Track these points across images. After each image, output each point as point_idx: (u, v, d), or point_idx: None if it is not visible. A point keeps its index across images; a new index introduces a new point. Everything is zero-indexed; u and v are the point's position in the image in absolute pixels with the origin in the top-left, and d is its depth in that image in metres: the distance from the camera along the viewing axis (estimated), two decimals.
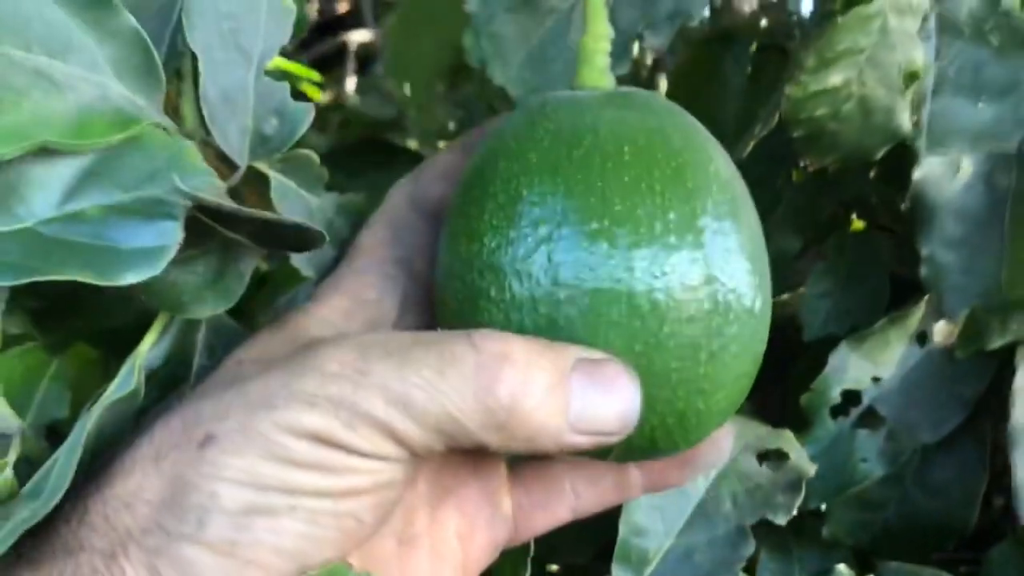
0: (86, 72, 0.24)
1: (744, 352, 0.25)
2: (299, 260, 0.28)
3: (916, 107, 0.40)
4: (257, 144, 0.27)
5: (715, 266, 0.24)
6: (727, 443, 0.29)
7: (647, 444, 0.25)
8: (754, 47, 0.53)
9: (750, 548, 0.38)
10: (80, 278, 0.22)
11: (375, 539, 0.27)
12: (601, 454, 0.26)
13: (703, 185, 0.25)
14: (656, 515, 0.39)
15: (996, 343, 0.40)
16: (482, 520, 0.29)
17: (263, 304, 0.36)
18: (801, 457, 0.40)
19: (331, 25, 1.15)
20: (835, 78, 0.39)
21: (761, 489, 0.39)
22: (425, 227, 0.29)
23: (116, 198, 0.23)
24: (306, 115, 0.27)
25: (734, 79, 0.55)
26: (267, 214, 0.24)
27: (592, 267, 0.24)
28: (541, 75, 0.36)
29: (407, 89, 0.58)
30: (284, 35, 0.27)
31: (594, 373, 0.23)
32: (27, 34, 0.23)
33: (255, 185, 0.29)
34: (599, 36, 0.28)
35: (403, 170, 0.31)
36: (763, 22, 0.62)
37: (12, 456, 0.25)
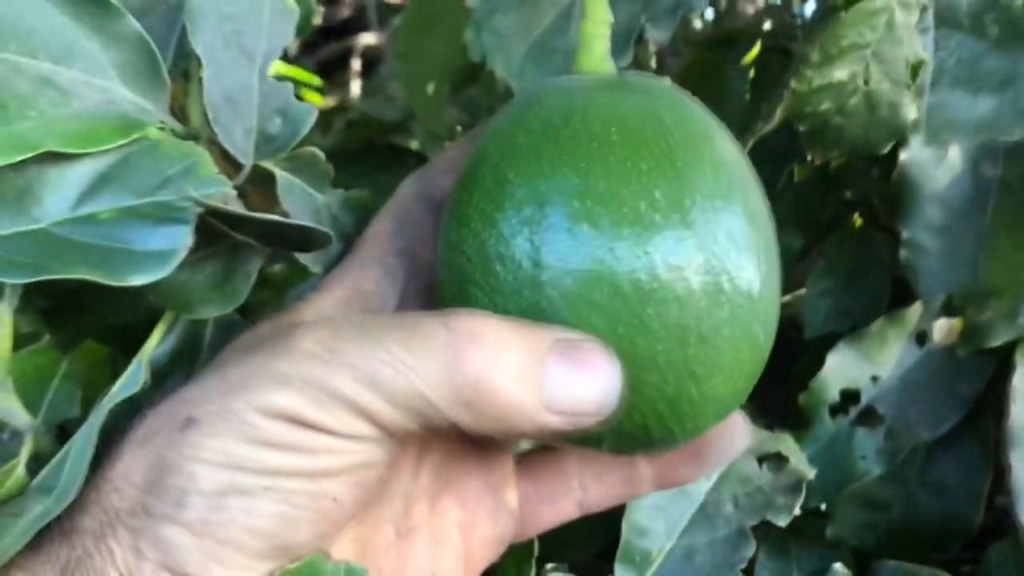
0: (91, 77, 0.24)
1: (740, 336, 0.24)
2: (306, 256, 0.29)
3: (914, 100, 0.40)
4: (262, 143, 0.27)
5: (704, 246, 0.23)
6: (742, 436, 0.28)
7: (640, 432, 0.25)
8: (757, 50, 0.54)
9: (751, 549, 0.38)
10: (91, 278, 0.22)
11: (372, 527, 0.27)
12: (593, 442, 0.25)
13: (694, 165, 0.24)
14: (658, 516, 0.40)
15: (997, 340, 0.41)
16: (484, 512, 0.29)
17: (272, 299, 0.36)
18: (800, 460, 0.40)
19: (336, 29, 1.15)
20: (840, 73, 0.39)
21: (762, 492, 0.39)
22: (430, 219, 0.29)
23: (129, 202, 0.24)
24: (309, 115, 0.28)
25: (737, 81, 0.55)
26: (275, 218, 0.25)
27: (574, 249, 0.23)
28: (543, 68, 0.35)
29: (416, 90, 0.58)
30: (287, 35, 0.27)
31: (571, 353, 0.23)
32: (32, 41, 0.24)
33: (261, 182, 0.29)
34: (598, 21, 0.27)
35: (408, 172, 0.31)
36: (767, 24, 0.62)
37: (24, 454, 0.26)
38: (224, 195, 0.27)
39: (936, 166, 0.41)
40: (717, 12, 0.81)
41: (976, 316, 0.40)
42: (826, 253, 0.49)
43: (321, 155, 0.29)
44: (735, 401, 0.25)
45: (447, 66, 0.56)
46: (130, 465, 0.23)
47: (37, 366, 0.32)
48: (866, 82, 0.38)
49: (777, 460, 0.40)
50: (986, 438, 0.44)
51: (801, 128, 0.41)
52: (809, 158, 0.43)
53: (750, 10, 0.75)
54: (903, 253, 0.42)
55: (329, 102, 0.95)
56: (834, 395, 0.44)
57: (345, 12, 1.21)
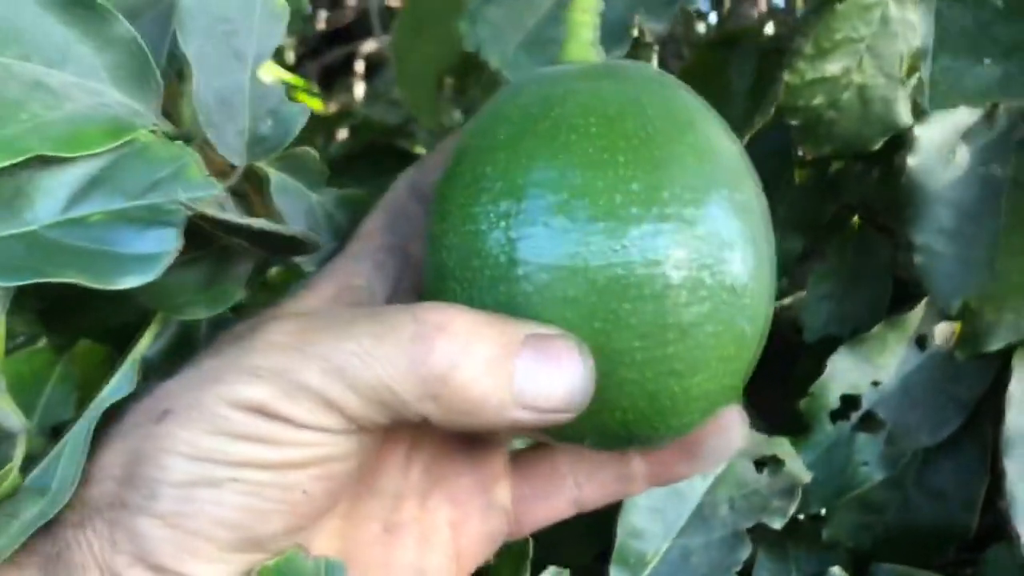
0: (84, 80, 0.24)
1: (724, 332, 0.23)
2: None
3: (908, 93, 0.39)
4: (254, 144, 0.27)
5: (684, 240, 0.23)
6: (736, 432, 0.27)
7: (621, 428, 0.24)
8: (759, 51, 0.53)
9: (746, 551, 0.38)
10: (79, 281, 0.22)
11: (358, 523, 0.27)
12: (576, 438, 0.25)
13: (675, 156, 0.23)
14: (654, 518, 0.40)
15: (995, 344, 0.40)
16: (476, 510, 0.28)
17: (271, 300, 0.36)
18: (796, 464, 0.40)
19: (340, 34, 1.15)
20: (833, 67, 0.39)
21: (757, 494, 0.39)
22: (422, 215, 0.28)
23: (119, 205, 0.24)
24: (301, 115, 0.28)
25: (738, 82, 0.55)
26: (262, 223, 0.25)
27: (550, 243, 0.23)
28: (538, 58, 0.35)
29: (414, 92, 0.58)
30: (278, 36, 0.27)
31: (542, 348, 0.23)
32: (25, 44, 0.24)
33: (257, 181, 0.29)
34: (585, 8, 0.27)
35: None
36: (770, 26, 0.62)
37: (18, 457, 0.26)
38: (218, 196, 0.27)
39: (944, 168, 0.40)
40: (720, 15, 0.81)
41: (993, 317, 0.39)
42: (826, 256, 0.49)
43: (315, 154, 0.29)
44: (724, 398, 0.25)
45: (442, 65, 0.56)
46: (110, 458, 0.23)
47: (33, 368, 0.32)
48: (859, 76, 0.38)
49: (774, 463, 0.40)
50: (984, 442, 0.44)
51: (793, 122, 0.41)
52: (801, 154, 0.43)
53: (754, 14, 0.75)
54: (917, 258, 0.41)
55: (334, 107, 0.95)
56: (835, 400, 0.44)
57: (348, 17, 1.21)
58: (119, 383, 0.25)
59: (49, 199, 0.23)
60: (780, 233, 0.50)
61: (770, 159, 0.47)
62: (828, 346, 0.45)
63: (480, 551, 0.29)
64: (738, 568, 0.38)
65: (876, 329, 0.43)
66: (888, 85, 0.39)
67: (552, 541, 0.45)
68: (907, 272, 0.45)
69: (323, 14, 1.15)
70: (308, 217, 0.29)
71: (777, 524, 0.39)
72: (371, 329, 0.23)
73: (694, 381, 0.24)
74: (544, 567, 0.41)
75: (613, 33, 0.28)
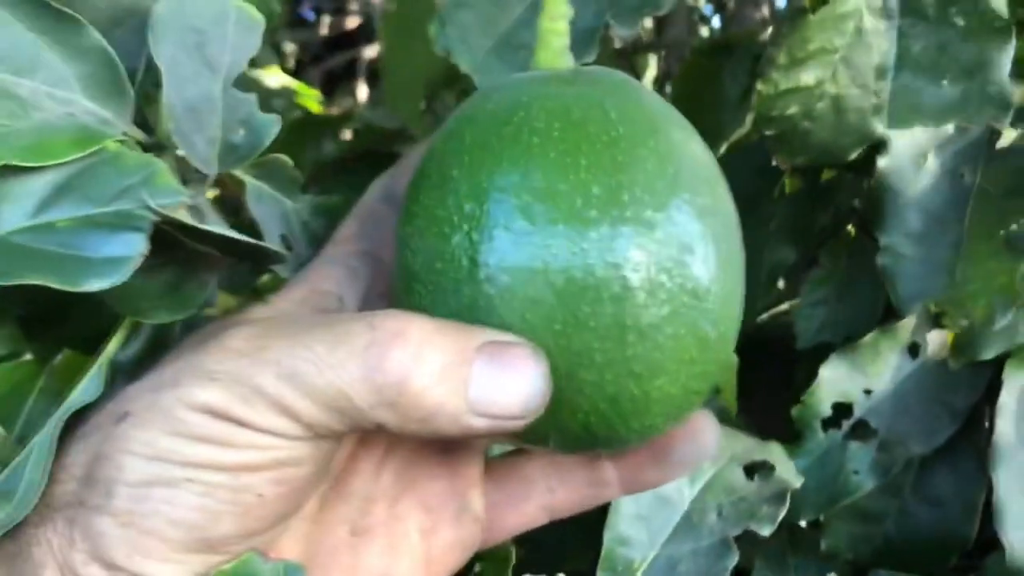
0: (54, 89, 0.25)
1: (686, 335, 0.23)
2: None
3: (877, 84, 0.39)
4: (225, 153, 0.27)
5: (643, 243, 0.23)
6: (708, 439, 0.27)
7: (582, 430, 0.24)
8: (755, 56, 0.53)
9: (734, 559, 0.38)
10: (47, 283, 0.23)
11: (325, 527, 0.27)
12: (539, 441, 0.25)
13: (636, 159, 0.23)
14: (641, 525, 0.39)
15: (989, 353, 0.40)
16: (447, 516, 0.28)
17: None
18: (787, 470, 0.39)
19: (342, 40, 1.16)
20: (807, 77, 0.39)
21: (746, 501, 0.39)
22: (395, 219, 0.28)
23: (88, 211, 0.24)
24: (273, 125, 0.28)
25: (732, 86, 0.55)
26: (226, 232, 0.25)
27: (512, 246, 0.23)
28: (509, 63, 0.35)
29: (403, 100, 0.59)
30: (252, 47, 0.28)
31: (496, 355, 0.23)
32: None
33: (233, 188, 0.30)
34: (555, 16, 0.27)
35: None
36: (768, 31, 0.62)
37: None
38: (198, 204, 0.27)
39: (915, 172, 0.40)
40: (724, 20, 0.81)
41: (953, 323, 0.39)
42: (820, 264, 0.48)
43: (289, 161, 0.29)
44: (688, 402, 0.25)
45: (428, 72, 0.56)
46: (73, 459, 0.23)
47: (14, 382, 0.33)
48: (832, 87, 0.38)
49: (765, 469, 0.40)
50: (981, 450, 0.43)
51: (767, 132, 0.41)
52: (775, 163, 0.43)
53: (757, 17, 0.75)
54: (881, 259, 0.41)
55: (336, 111, 0.96)
56: (826, 408, 0.43)
57: (351, 23, 1.22)
58: (87, 387, 0.25)
59: (17, 206, 0.24)
60: (773, 242, 0.50)
61: (762, 169, 0.47)
62: (825, 353, 0.44)
63: (452, 559, 0.29)
64: None
65: (868, 337, 0.43)
66: (863, 95, 0.39)
67: (553, 549, 0.45)
68: None
69: (326, 19, 1.16)
70: (283, 224, 0.29)
71: (766, 531, 0.38)
72: (326, 336, 0.23)
73: (655, 384, 0.24)
74: (544, 571, 0.41)
75: (581, 38, 0.28)
